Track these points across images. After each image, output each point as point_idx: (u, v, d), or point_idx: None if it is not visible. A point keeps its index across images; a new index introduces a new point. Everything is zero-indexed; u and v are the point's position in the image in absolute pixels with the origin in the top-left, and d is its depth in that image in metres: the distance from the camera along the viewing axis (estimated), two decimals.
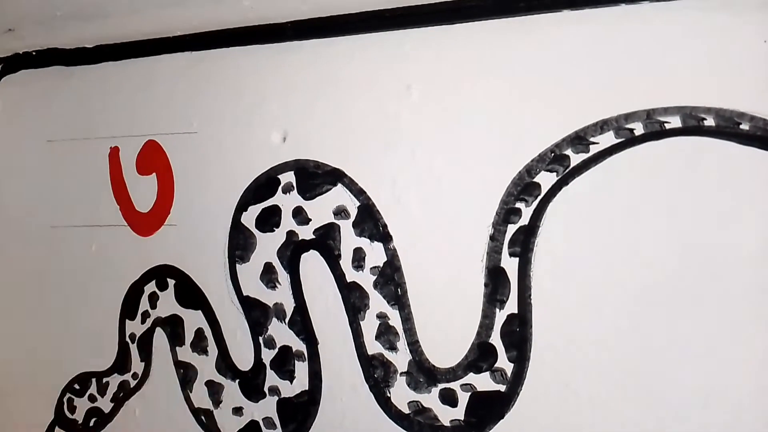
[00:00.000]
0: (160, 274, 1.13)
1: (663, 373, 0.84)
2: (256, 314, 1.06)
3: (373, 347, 0.98)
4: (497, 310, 0.92)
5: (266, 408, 1.05)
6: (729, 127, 0.82)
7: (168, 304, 1.12)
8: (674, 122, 0.84)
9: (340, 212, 1.01)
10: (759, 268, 0.81)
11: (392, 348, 0.97)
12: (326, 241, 1.02)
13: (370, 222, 0.99)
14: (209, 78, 1.10)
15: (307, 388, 1.02)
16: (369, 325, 0.99)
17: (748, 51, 0.81)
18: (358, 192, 1.00)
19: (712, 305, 0.83)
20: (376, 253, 0.99)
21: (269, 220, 1.05)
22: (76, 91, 1.21)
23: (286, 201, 1.04)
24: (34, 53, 1.23)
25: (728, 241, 0.82)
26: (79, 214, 1.20)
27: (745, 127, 0.81)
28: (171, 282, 1.12)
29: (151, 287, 1.13)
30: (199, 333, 1.10)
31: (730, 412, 0.82)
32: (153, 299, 1.13)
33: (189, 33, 1.11)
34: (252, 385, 1.06)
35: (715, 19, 0.82)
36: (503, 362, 0.91)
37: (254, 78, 1.07)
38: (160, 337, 1.13)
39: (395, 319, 0.97)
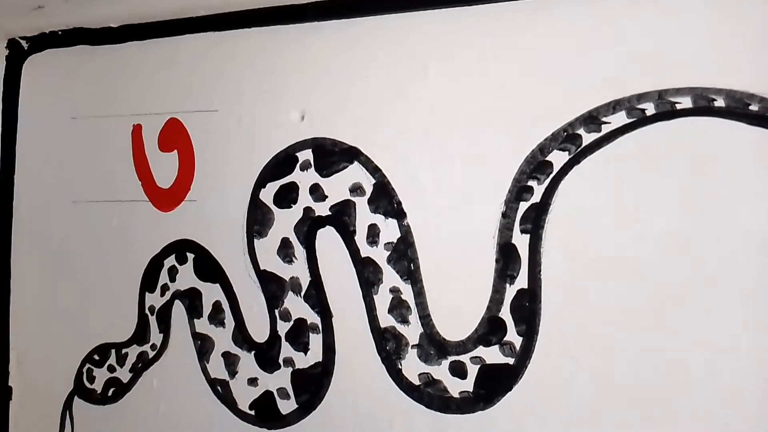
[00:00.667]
0: (180, 248, 1.15)
1: (670, 349, 0.86)
2: (273, 288, 1.08)
3: (386, 320, 1.00)
4: (508, 285, 0.94)
5: (281, 379, 1.07)
6: (738, 108, 0.83)
7: (187, 277, 1.15)
8: (685, 103, 0.85)
9: (356, 189, 1.03)
10: None
11: (404, 321, 1.00)
12: (342, 218, 1.04)
13: (385, 199, 1.01)
14: (230, 57, 1.13)
15: (320, 360, 1.04)
16: (382, 299, 1.01)
17: (760, 33, 0.83)
18: (373, 170, 1.02)
19: (722, 283, 0.84)
20: (390, 230, 1.01)
21: (287, 196, 1.08)
22: (100, 70, 1.23)
23: (304, 178, 1.07)
24: (60, 32, 1.26)
25: (738, 220, 0.83)
26: (101, 189, 1.22)
27: (754, 108, 0.83)
28: (190, 256, 1.14)
29: (170, 261, 1.16)
30: (217, 306, 1.12)
31: (737, 389, 0.83)
32: (172, 273, 1.16)
33: (212, 13, 1.13)
34: (267, 356, 1.08)
35: (728, 1, 0.83)
36: (512, 336, 0.93)
37: (274, 58, 1.10)
38: (178, 310, 1.15)
39: (408, 294, 0.99)
